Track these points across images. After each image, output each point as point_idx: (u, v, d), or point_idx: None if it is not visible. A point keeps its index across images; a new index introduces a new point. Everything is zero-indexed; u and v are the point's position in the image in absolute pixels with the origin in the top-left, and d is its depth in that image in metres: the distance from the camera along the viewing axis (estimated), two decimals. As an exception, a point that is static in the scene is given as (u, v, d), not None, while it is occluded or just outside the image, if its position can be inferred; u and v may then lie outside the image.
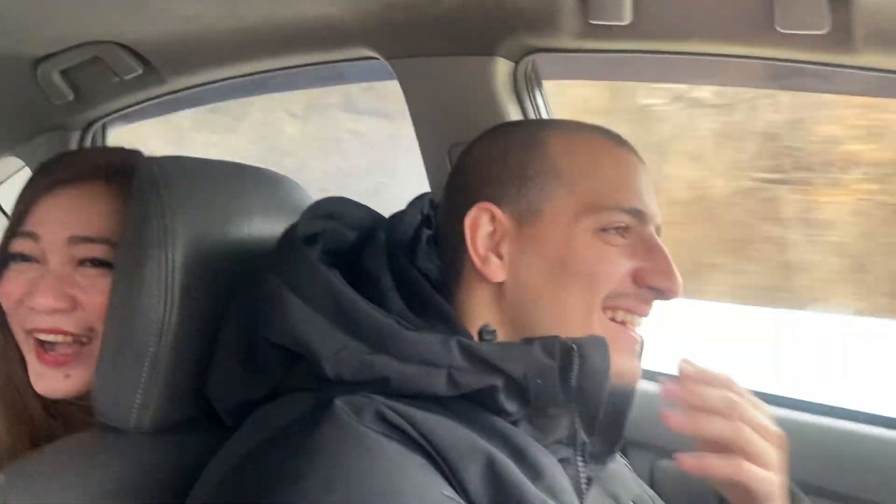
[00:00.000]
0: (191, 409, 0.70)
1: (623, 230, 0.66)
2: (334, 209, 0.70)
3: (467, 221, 0.66)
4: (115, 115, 1.48)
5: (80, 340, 0.74)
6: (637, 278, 0.66)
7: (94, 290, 0.73)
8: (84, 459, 0.64)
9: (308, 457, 0.52)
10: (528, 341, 0.60)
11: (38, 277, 0.73)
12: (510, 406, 0.59)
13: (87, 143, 1.55)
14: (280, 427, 0.56)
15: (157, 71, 1.28)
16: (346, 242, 0.69)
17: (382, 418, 0.54)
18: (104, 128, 1.56)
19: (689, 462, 0.59)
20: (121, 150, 0.85)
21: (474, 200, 0.67)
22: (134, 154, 0.83)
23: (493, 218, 0.66)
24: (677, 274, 0.66)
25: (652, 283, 0.66)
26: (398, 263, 0.66)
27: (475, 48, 1.00)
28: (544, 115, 1.09)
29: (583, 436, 0.62)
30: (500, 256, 0.66)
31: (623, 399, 0.65)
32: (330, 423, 0.53)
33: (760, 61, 0.89)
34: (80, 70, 1.30)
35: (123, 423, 0.65)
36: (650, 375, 1.21)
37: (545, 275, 0.65)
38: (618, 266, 0.65)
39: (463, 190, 0.70)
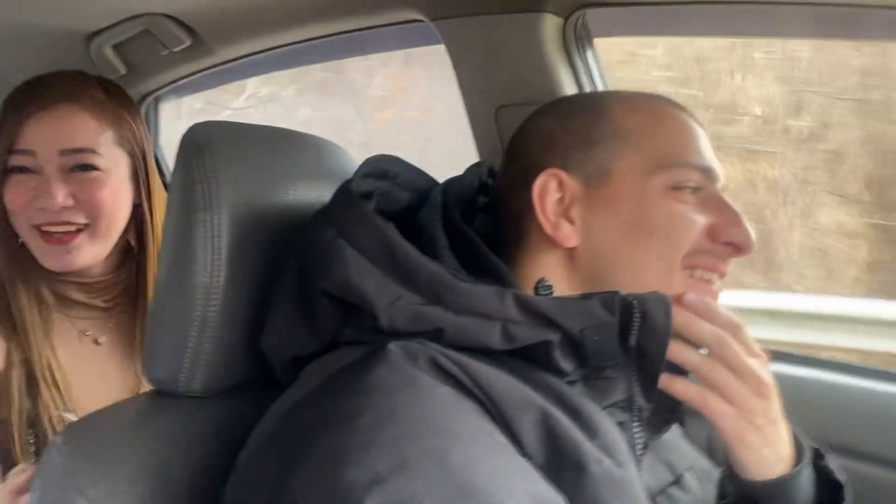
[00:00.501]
0: (242, 372, 0.70)
1: (694, 188, 0.65)
2: (389, 169, 0.69)
3: (535, 189, 0.65)
4: (166, 88, 1.50)
5: (79, 228, 0.94)
6: (713, 234, 0.65)
7: (88, 189, 0.94)
8: (138, 421, 0.66)
9: (362, 396, 0.52)
10: (587, 296, 0.59)
11: (40, 184, 0.92)
12: (566, 365, 0.58)
13: (141, 116, 1.58)
14: (334, 372, 0.57)
15: (205, 42, 1.29)
16: (400, 203, 0.69)
17: (436, 364, 0.54)
18: (156, 101, 1.58)
19: (662, 379, 0.60)
20: (80, 75, 1.02)
21: (541, 168, 0.66)
22: (89, 77, 1.02)
23: (560, 183, 0.65)
24: (750, 228, 0.65)
25: (727, 238, 0.64)
26: (453, 224, 0.65)
27: (522, 4, 0.97)
28: (595, 74, 1.05)
29: (640, 400, 0.61)
30: (571, 221, 0.65)
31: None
32: (384, 365, 0.54)
33: (824, 8, 0.84)
34: (131, 44, 1.32)
35: (173, 386, 0.66)
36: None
37: (621, 236, 0.64)
38: (694, 223, 0.64)
39: (526, 158, 0.69)
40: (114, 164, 0.96)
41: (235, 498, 0.55)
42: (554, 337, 0.57)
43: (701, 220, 0.64)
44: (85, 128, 0.94)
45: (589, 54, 1.04)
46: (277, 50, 1.30)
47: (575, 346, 0.58)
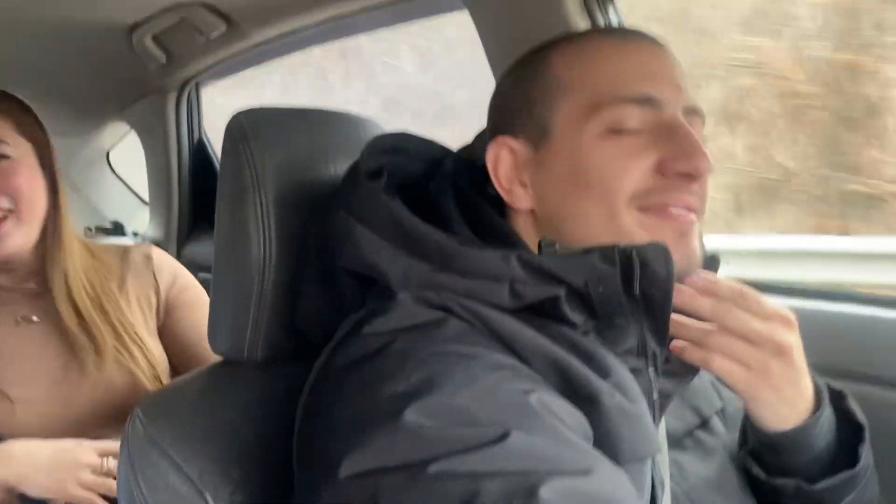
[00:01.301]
0: (301, 340, 0.76)
1: (637, 124, 0.61)
2: (398, 143, 0.72)
3: (488, 159, 0.66)
4: (205, 73, 1.56)
5: (4, 215, 1.04)
6: (661, 169, 0.61)
7: (4, 176, 1.04)
8: (207, 390, 0.72)
9: (386, 335, 0.57)
10: (588, 251, 0.60)
11: None
12: (576, 317, 0.60)
13: (183, 101, 1.64)
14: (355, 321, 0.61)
15: (239, 26, 1.34)
16: (413, 175, 0.71)
17: (449, 309, 0.59)
18: (197, 86, 1.64)
19: (672, 343, 0.61)
20: None
21: (493, 137, 0.67)
22: None
23: (511, 150, 0.66)
24: (702, 150, 0.61)
25: (675, 169, 0.61)
26: (463, 190, 0.67)
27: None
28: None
29: (653, 346, 0.61)
30: (524, 185, 0.66)
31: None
32: (402, 307, 0.59)
33: None
34: (170, 33, 1.37)
35: (237, 356, 0.72)
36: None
37: (563, 190, 0.63)
38: (633, 163, 0.61)
39: (489, 125, 0.71)
40: (21, 152, 1.07)
41: (297, 450, 0.59)
42: (559, 291, 0.59)
43: (644, 160, 0.61)
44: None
45: (611, 12, 1.05)
46: (310, 28, 1.34)
47: (581, 299, 0.59)
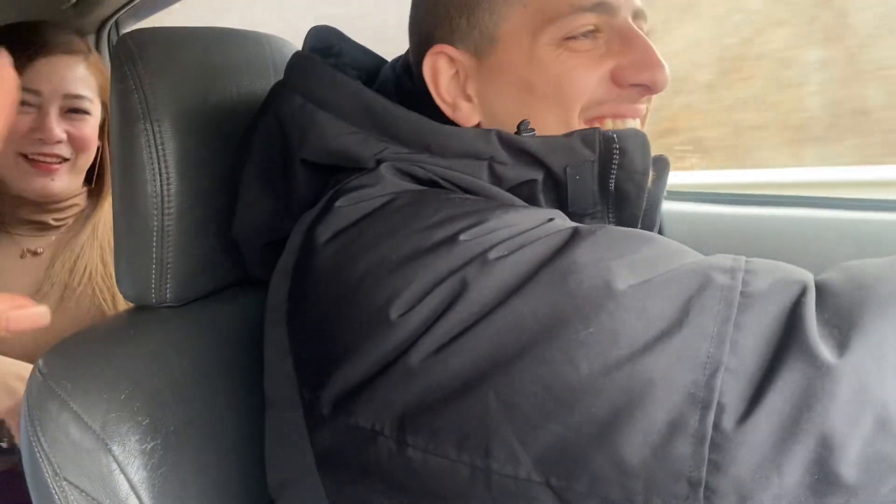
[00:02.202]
0: (215, 279, 0.71)
1: (591, 32, 0.59)
2: (333, 43, 0.67)
3: (426, 71, 0.62)
4: (124, 10, 1.46)
5: (63, 161, 1.10)
6: (617, 79, 0.59)
7: (79, 129, 1.11)
8: (115, 336, 0.67)
9: (376, 200, 0.53)
10: (569, 134, 0.58)
11: (39, 119, 1.07)
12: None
13: (104, 43, 1.54)
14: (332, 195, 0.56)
15: (149, -45, 1.24)
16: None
17: (431, 181, 0.55)
18: (117, 25, 1.54)
19: None
20: (65, 27, 1.18)
21: (428, 46, 0.62)
22: (72, 30, 1.18)
23: (451, 60, 0.61)
24: (660, 61, 0.59)
25: (632, 80, 0.59)
26: (410, 95, 0.63)
27: None
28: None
29: None
30: (469, 99, 0.61)
31: (648, 222, 0.62)
32: (378, 177, 0.54)
33: None
34: (75, -34, 1.27)
35: (145, 299, 0.67)
36: (695, 196, 1.18)
37: (517, 104, 0.60)
38: (589, 73, 0.59)
39: (419, 33, 0.65)
40: (95, 110, 1.14)
41: (292, 351, 0.52)
42: (538, 175, 0.57)
43: (599, 68, 0.59)
44: (82, 77, 1.12)
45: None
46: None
47: (557, 189, 0.57)
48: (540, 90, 0.59)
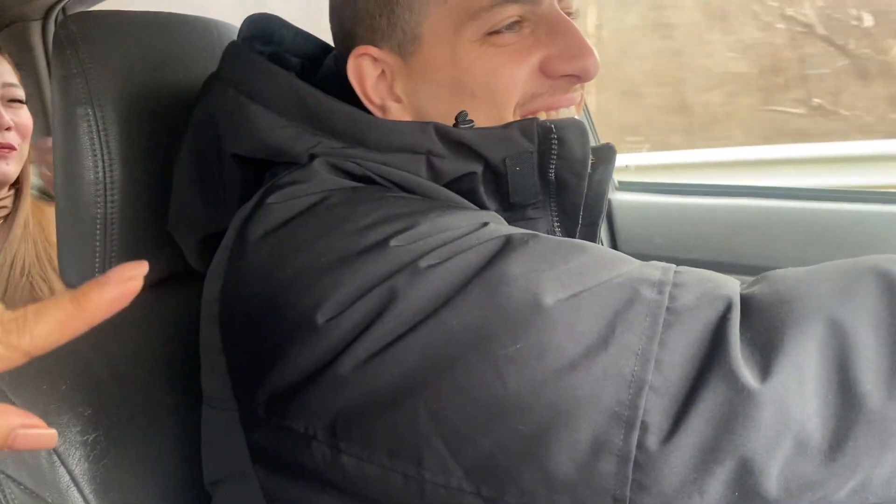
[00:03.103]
0: (161, 267, 0.70)
1: (515, 24, 0.57)
2: (274, 31, 0.65)
3: (350, 74, 0.60)
4: (70, -4, 1.42)
5: (11, 151, 1.13)
6: (546, 70, 0.57)
7: (22, 117, 1.15)
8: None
9: (310, 196, 0.52)
10: (507, 125, 0.56)
11: None
12: (490, 204, 0.57)
13: (50, 30, 1.50)
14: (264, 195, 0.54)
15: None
16: (291, 70, 0.63)
17: (367, 178, 0.54)
18: (64, 11, 1.50)
19: None
20: None
21: (350, 47, 0.60)
22: None
23: (375, 61, 0.59)
24: (589, 48, 0.57)
25: (562, 70, 0.57)
26: (347, 93, 0.61)
27: None
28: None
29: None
30: (397, 100, 0.60)
31: (594, 211, 0.62)
32: (310, 174, 0.53)
33: None
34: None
35: (88, 287, 0.65)
36: (647, 187, 1.20)
37: (446, 103, 0.58)
38: (517, 68, 0.57)
39: (339, 35, 0.63)
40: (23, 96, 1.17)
41: (224, 349, 0.51)
42: (477, 168, 0.55)
43: (528, 62, 0.57)
44: (9, 68, 1.16)
45: None
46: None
47: (497, 181, 0.56)
48: (468, 89, 0.57)
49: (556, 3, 0.58)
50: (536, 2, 0.57)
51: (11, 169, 1.13)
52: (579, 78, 0.59)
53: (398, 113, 0.60)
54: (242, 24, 0.64)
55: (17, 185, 1.18)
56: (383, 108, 0.60)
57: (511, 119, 0.58)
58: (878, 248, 0.90)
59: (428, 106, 0.59)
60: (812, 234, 0.93)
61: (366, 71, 0.60)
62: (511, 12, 0.56)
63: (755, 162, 2.42)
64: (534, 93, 0.58)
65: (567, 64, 0.57)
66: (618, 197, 1.14)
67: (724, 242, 0.99)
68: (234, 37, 0.76)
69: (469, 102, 0.58)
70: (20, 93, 1.15)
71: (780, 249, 0.95)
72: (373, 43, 0.60)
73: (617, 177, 1.27)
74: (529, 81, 0.58)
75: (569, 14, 0.61)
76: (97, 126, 0.62)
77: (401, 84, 0.60)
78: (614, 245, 1.12)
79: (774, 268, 0.96)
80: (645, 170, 2.14)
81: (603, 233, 1.14)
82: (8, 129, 1.11)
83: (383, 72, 0.60)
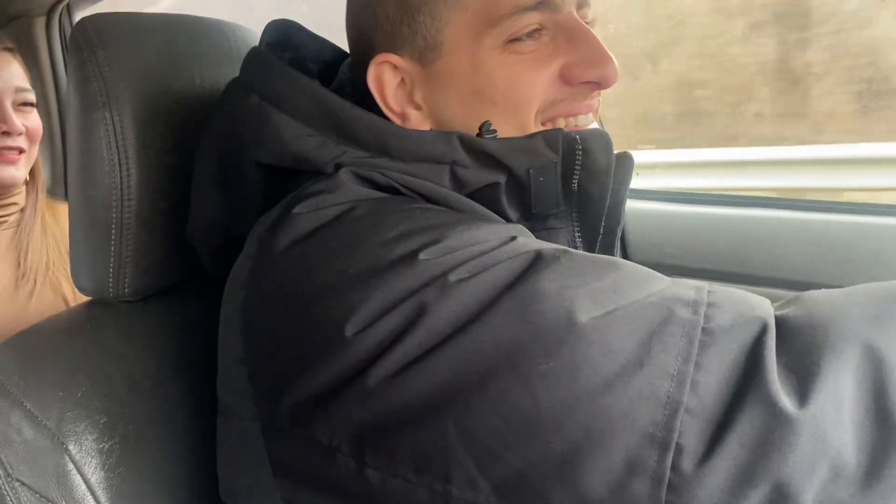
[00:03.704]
0: (174, 273, 0.69)
1: (535, 31, 0.57)
2: (293, 36, 0.65)
3: (370, 81, 0.60)
4: (76, -7, 1.41)
5: (21, 152, 1.15)
6: (566, 77, 0.58)
7: (33, 121, 1.16)
8: (71, 331, 0.64)
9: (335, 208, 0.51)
10: (531, 136, 0.56)
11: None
12: (512, 213, 0.57)
13: (55, 27, 1.49)
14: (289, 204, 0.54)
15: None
16: (310, 76, 0.64)
17: (392, 188, 0.54)
18: (69, 8, 1.49)
19: None
20: None
21: (370, 55, 0.60)
22: None
23: (395, 68, 0.59)
24: (608, 55, 0.58)
25: (582, 78, 0.58)
26: (366, 100, 0.61)
27: None
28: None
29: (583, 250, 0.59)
30: (417, 107, 0.60)
31: (612, 221, 0.62)
32: (336, 184, 0.53)
33: None
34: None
35: (102, 293, 0.65)
36: (659, 196, 1.20)
37: (466, 111, 0.58)
38: (537, 75, 0.57)
39: (360, 40, 0.63)
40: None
41: (248, 362, 0.50)
42: (501, 178, 0.55)
43: (548, 69, 0.57)
44: (20, 72, 1.16)
45: None
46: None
47: (520, 191, 0.56)
48: (489, 96, 0.57)
49: (574, 12, 0.59)
50: (556, 10, 0.57)
51: (20, 173, 1.15)
52: (599, 85, 0.59)
53: (418, 121, 0.60)
54: (265, 30, 0.64)
55: (29, 183, 1.20)
56: (403, 116, 0.60)
57: (532, 125, 0.58)
58: (889, 261, 0.90)
59: (448, 114, 0.59)
60: (823, 245, 0.93)
61: (386, 79, 0.60)
62: (531, 20, 0.56)
63: (759, 162, 2.43)
64: (554, 99, 0.58)
65: (587, 71, 0.57)
66: (628, 205, 1.14)
67: (734, 252, 0.99)
68: (250, 39, 0.76)
69: (490, 110, 0.58)
70: (32, 97, 1.17)
71: (790, 260, 0.95)
72: (393, 50, 0.59)
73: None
74: (550, 88, 0.58)
75: (587, 23, 0.61)
76: (115, 130, 0.61)
77: (421, 92, 0.60)
78: (625, 254, 1.12)
79: (787, 279, 0.96)
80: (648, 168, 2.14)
81: (615, 242, 1.14)
82: (20, 133, 1.13)
83: (403, 80, 0.60)
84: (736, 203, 1.06)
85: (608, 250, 0.62)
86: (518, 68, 0.57)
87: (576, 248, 0.59)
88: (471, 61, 0.57)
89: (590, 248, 0.60)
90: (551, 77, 0.58)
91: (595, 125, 0.62)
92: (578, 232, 0.59)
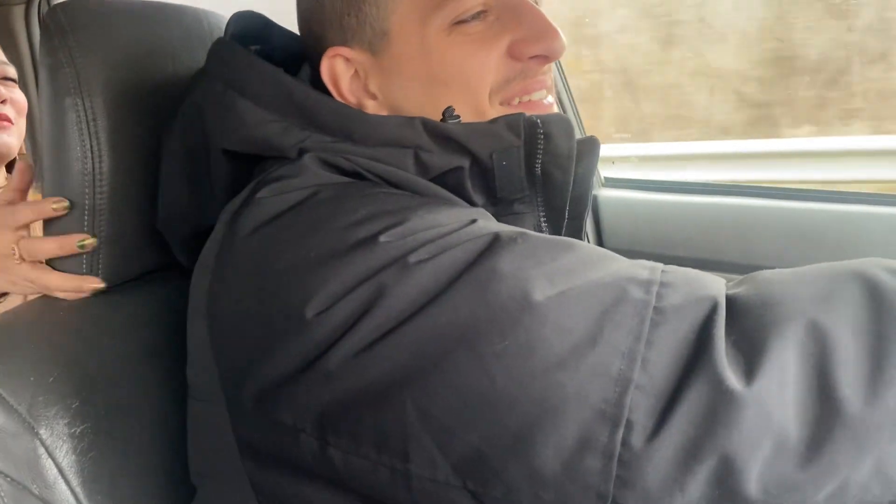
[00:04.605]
0: (147, 260, 0.69)
1: (481, 13, 0.58)
2: (260, 30, 0.65)
3: (324, 76, 0.61)
4: (55, -19, 1.40)
5: (10, 126, 1.13)
6: (515, 54, 0.58)
7: (14, 94, 1.15)
8: (44, 319, 0.65)
9: (298, 192, 0.52)
10: (494, 120, 0.57)
11: None
12: (477, 198, 0.57)
13: (34, 14, 1.48)
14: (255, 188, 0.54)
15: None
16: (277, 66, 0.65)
17: (356, 173, 0.54)
18: (48, -2, 1.48)
19: None
20: None
21: (322, 49, 0.61)
22: None
23: (347, 60, 0.60)
24: (554, 28, 0.58)
25: (529, 52, 0.58)
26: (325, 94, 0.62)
27: None
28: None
29: (548, 234, 0.60)
30: (373, 97, 0.61)
31: (579, 204, 0.62)
32: (300, 169, 0.53)
33: None
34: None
35: (75, 279, 0.65)
36: (633, 184, 1.21)
37: (420, 96, 0.59)
38: (486, 54, 0.58)
39: (310, 34, 0.64)
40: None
41: (211, 345, 0.51)
42: (464, 162, 0.56)
43: (497, 47, 0.58)
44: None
45: None
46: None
47: (484, 176, 0.57)
48: (441, 80, 0.58)
49: None
50: None
51: (13, 140, 1.13)
52: (547, 58, 0.59)
53: (375, 110, 0.61)
54: (229, 21, 0.64)
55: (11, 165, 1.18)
56: (360, 107, 0.61)
57: (487, 106, 0.59)
58: (859, 248, 0.92)
59: (403, 100, 0.60)
60: (794, 233, 0.95)
61: (339, 72, 0.61)
62: (475, 1, 0.57)
63: (735, 155, 2.45)
64: (507, 78, 0.59)
65: (534, 45, 0.58)
66: (604, 193, 1.15)
67: (708, 240, 1.00)
68: (224, 26, 0.76)
69: (444, 93, 0.58)
70: (12, 71, 1.15)
71: (762, 248, 0.96)
72: (343, 43, 0.60)
73: (603, 172, 1.28)
74: (501, 67, 0.59)
75: (535, 1, 0.61)
76: (86, 116, 0.62)
77: (374, 81, 0.61)
78: (600, 241, 1.13)
79: (758, 266, 0.97)
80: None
81: (589, 229, 1.15)
82: (3, 101, 1.11)
83: (356, 71, 0.61)
84: (708, 191, 1.07)
85: (575, 234, 0.63)
86: (467, 49, 0.58)
87: (542, 232, 0.60)
88: (419, 46, 0.58)
89: (556, 232, 0.60)
90: (500, 55, 0.58)
91: (554, 107, 0.63)
92: (544, 216, 0.59)
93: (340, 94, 0.61)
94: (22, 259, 0.66)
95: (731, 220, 1.00)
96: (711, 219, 1.02)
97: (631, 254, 0.50)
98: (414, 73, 0.59)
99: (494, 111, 0.59)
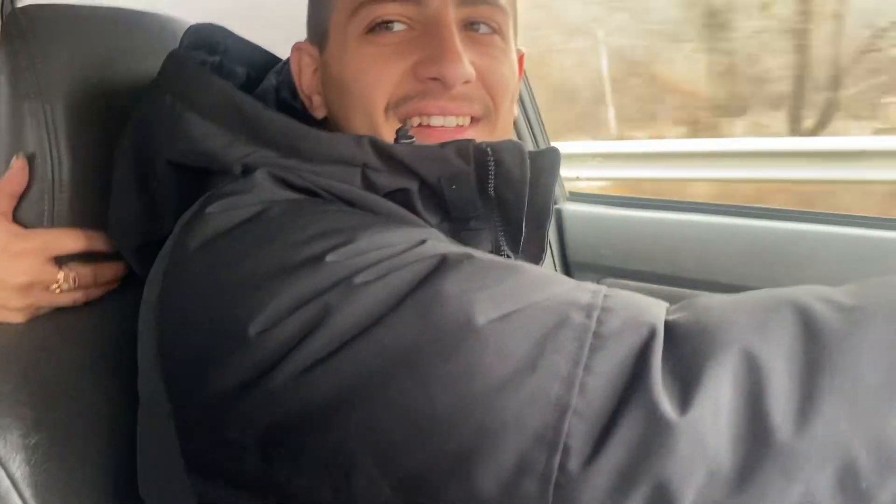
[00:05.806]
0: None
1: (395, 24, 0.57)
2: (219, 42, 0.65)
3: (292, 67, 0.63)
4: (19, -17, 1.38)
5: None
6: (417, 73, 0.57)
7: None
8: (3, 328, 0.63)
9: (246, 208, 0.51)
10: (444, 145, 0.56)
11: None
12: (430, 217, 0.57)
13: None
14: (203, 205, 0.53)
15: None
16: (237, 78, 0.65)
17: (307, 189, 0.54)
18: (13, 2, 1.45)
19: None
20: None
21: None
22: None
23: (309, 56, 0.63)
24: (456, 54, 0.56)
25: (425, 73, 0.57)
26: (286, 103, 0.64)
27: None
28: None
29: (507, 251, 0.60)
30: (319, 93, 0.63)
31: (541, 215, 0.62)
32: (250, 186, 0.52)
33: None
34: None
35: (32, 286, 0.64)
36: (597, 199, 1.23)
37: (336, 98, 0.60)
38: (385, 69, 0.57)
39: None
40: None
41: (157, 356, 0.50)
42: (412, 185, 0.55)
43: (402, 64, 0.57)
44: None
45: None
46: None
47: (435, 197, 0.56)
48: (345, 87, 0.59)
49: (448, 10, 0.58)
50: (422, 3, 0.57)
51: None
52: (441, 83, 0.57)
53: (317, 105, 0.64)
54: (186, 32, 0.64)
55: None
56: (310, 101, 0.64)
57: (381, 120, 0.58)
58: (814, 266, 0.94)
59: (329, 102, 0.63)
60: (752, 251, 0.97)
61: (303, 65, 0.64)
62: (389, 10, 0.57)
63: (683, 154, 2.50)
64: (406, 95, 0.58)
65: (430, 67, 0.57)
66: (568, 207, 1.17)
67: (669, 255, 1.02)
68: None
69: (346, 100, 0.59)
70: None
71: (722, 264, 0.98)
72: (309, 39, 0.64)
73: (568, 186, 1.30)
74: (402, 83, 0.58)
75: (492, 28, 0.61)
76: (45, 122, 0.61)
77: (322, 78, 0.63)
78: (564, 255, 1.14)
79: (717, 282, 0.99)
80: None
81: (553, 243, 1.16)
82: None
83: (316, 67, 0.63)
84: (670, 208, 1.09)
85: (538, 246, 0.63)
86: (369, 60, 0.58)
87: (500, 246, 0.60)
88: (339, 49, 0.60)
89: (515, 245, 0.60)
90: (404, 72, 0.58)
91: (463, 133, 0.60)
92: (502, 231, 0.59)
93: (301, 86, 0.64)
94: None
95: (693, 236, 1.02)
96: (673, 235, 1.04)
97: (594, 268, 0.51)
98: (335, 75, 0.60)
99: (389, 126, 0.58)
